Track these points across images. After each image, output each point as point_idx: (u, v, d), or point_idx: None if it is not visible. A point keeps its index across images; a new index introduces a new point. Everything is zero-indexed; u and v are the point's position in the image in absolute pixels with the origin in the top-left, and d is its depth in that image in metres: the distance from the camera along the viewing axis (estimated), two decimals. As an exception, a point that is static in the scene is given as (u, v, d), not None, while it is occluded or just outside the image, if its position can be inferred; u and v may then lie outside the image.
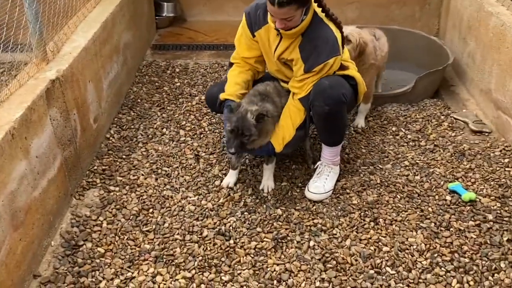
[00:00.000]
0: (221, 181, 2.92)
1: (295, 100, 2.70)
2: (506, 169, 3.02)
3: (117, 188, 2.88)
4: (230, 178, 2.91)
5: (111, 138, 3.33)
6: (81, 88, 2.88)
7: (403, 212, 2.71)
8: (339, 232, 2.58)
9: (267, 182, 2.88)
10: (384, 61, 3.68)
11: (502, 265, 2.36)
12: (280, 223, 2.64)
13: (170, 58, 4.54)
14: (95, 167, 3.03)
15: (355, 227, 2.62)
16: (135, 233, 2.56)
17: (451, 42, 4.32)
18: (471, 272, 2.33)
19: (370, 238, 2.54)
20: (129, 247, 2.48)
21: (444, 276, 2.32)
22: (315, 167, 2.95)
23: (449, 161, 3.12)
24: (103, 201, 2.77)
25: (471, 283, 2.28)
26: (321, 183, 2.82)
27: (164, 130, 3.44)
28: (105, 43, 3.32)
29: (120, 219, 2.65)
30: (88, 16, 3.35)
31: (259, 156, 3.08)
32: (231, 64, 2.98)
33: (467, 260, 2.40)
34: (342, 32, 2.65)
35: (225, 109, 2.70)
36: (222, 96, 2.83)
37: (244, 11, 2.82)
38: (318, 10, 2.60)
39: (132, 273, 2.33)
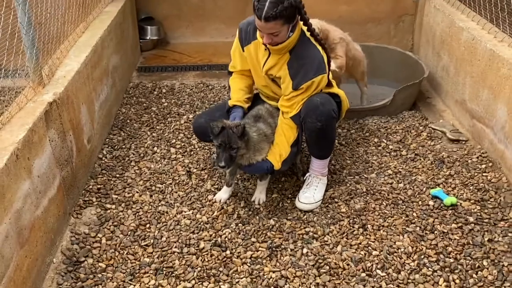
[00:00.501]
0: (214, 195, 3.03)
1: (286, 118, 2.83)
2: (484, 174, 3.19)
3: (113, 206, 2.96)
4: (224, 194, 3.02)
5: (103, 158, 3.42)
6: (76, 110, 2.97)
7: (390, 218, 2.85)
8: (330, 239, 2.70)
9: (259, 195, 2.99)
10: (360, 64, 3.87)
11: (485, 263, 2.51)
12: (274, 233, 2.75)
13: (156, 80, 4.66)
14: (91, 186, 3.11)
15: (345, 233, 2.74)
16: (134, 248, 2.65)
17: (425, 56, 4.53)
18: (456, 271, 2.47)
19: (360, 243, 2.67)
20: (129, 261, 2.57)
21: (431, 276, 2.45)
22: (304, 178, 3.07)
23: (429, 168, 3.29)
24: (101, 218, 2.85)
25: (457, 281, 2.42)
26: (311, 194, 2.95)
27: (155, 148, 3.55)
28: (95, 66, 3.43)
29: (119, 235, 2.73)
30: (78, 41, 3.46)
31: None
32: (230, 73, 3.14)
33: (452, 260, 2.54)
34: (327, 53, 2.80)
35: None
36: (230, 102, 2.98)
37: (239, 26, 2.97)
38: (305, 28, 2.75)
39: (134, 285, 2.42)
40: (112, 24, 3.93)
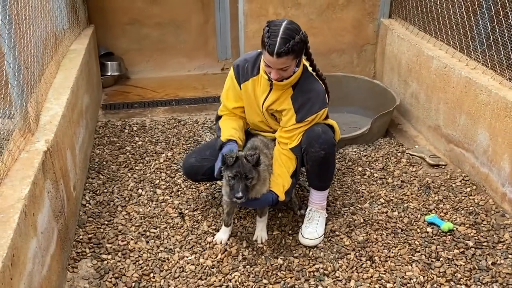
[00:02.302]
0: (213, 237, 2.94)
1: (285, 149, 2.81)
2: (470, 197, 3.30)
3: (109, 256, 2.79)
4: (223, 234, 2.93)
5: (87, 204, 3.23)
6: (63, 156, 2.81)
7: (394, 248, 2.87)
8: (341, 275, 2.68)
9: (261, 233, 2.93)
10: None
11: (495, 287, 2.57)
12: (284, 273, 2.69)
13: (125, 117, 4.51)
14: (81, 237, 2.93)
15: (354, 267, 2.73)
16: (142, 301, 2.50)
17: (390, 84, 4.67)
18: (470, 298, 2.52)
19: (372, 276, 2.66)
20: (140, 315, 2.42)
21: (448, 305, 2.48)
22: (301, 213, 3.04)
23: (418, 194, 3.36)
24: (99, 271, 2.68)
25: (474, 307, 2.46)
26: (314, 229, 2.93)
27: (140, 191, 3.40)
28: (74, 108, 3.27)
29: (123, 288, 2.58)
30: (54, 82, 3.29)
31: (250, 208, 3.14)
32: (218, 118, 3.05)
33: (463, 286, 2.59)
34: (326, 87, 2.82)
35: (226, 158, 2.64)
36: (223, 138, 2.86)
37: (233, 64, 2.92)
38: (307, 65, 2.77)
39: None
40: (82, 63, 3.77)
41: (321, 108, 2.75)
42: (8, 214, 1.96)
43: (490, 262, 2.74)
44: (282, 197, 2.77)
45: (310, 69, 2.79)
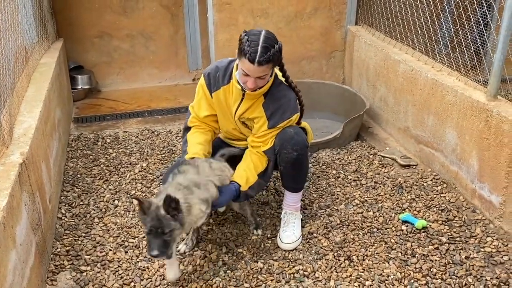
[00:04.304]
0: (186, 246, 2.91)
1: (258, 152, 2.84)
2: (441, 195, 3.39)
3: (88, 267, 2.77)
4: (172, 269, 2.60)
5: (63, 217, 3.20)
6: (38, 169, 2.78)
7: (370, 246, 2.93)
8: (321, 275, 2.72)
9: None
10: None
11: (470, 280, 2.65)
12: (264, 276, 2.72)
13: (97, 130, 4.48)
14: (58, 249, 2.90)
15: (333, 267, 2.78)
16: (124, 310, 2.49)
17: (359, 89, 4.77)
18: (447, 291, 2.59)
19: (350, 275, 2.71)
20: (123, 325, 2.41)
21: (426, 299, 2.55)
22: (257, 233, 3.06)
23: (391, 194, 3.44)
24: (79, 282, 2.66)
25: (450, 300, 2.54)
26: (291, 232, 2.96)
27: (116, 202, 3.39)
28: (47, 121, 3.24)
29: (104, 299, 2.56)
30: (26, 96, 3.26)
31: (221, 213, 3.16)
32: (187, 129, 3.04)
33: (439, 280, 2.66)
34: (298, 94, 2.88)
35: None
36: (187, 157, 2.81)
37: (203, 73, 2.93)
38: (279, 73, 2.82)
39: None
40: (53, 76, 3.74)
41: (292, 114, 2.79)
42: (-14, 227, 1.94)
43: (463, 256, 2.82)
44: (244, 187, 2.76)
45: (280, 77, 2.83)
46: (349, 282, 2.66)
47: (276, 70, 2.81)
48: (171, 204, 2.27)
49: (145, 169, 3.80)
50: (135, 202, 2.26)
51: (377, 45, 4.37)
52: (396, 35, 4.25)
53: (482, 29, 3.26)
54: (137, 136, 4.35)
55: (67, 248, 2.92)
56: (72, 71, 5.05)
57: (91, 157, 4.00)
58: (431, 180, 3.57)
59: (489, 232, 3.00)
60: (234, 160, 2.93)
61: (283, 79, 2.84)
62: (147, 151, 4.08)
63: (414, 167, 3.79)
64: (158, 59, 5.43)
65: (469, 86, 3.33)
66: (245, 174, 2.81)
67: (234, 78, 2.76)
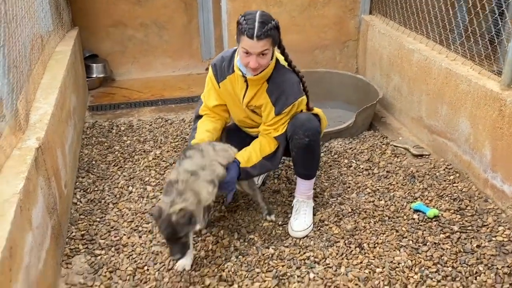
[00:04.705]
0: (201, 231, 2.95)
1: (269, 136, 2.87)
2: (454, 185, 3.39)
3: (103, 251, 2.83)
4: (185, 259, 2.64)
5: (78, 203, 3.26)
6: (54, 155, 2.83)
7: (382, 234, 2.94)
8: (332, 261, 2.74)
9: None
10: None
11: (481, 268, 2.65)
12: (275, 261, 2.75)
13: (112, 118, 4.53)
14: (73, 234, 2.95)
15: (344, 254, 2.80)
16: (138, 293, 2.54)
17: (373, 78, 4.76)
18: (457, 279, 2.59)
19: (361, 262, 2.73)
20: (136, 307, 2.46)
21: (436, 286, 2.56)
22: (270, 219, 3.09)
23: (403, 184, 3.44)
24: (93, 266, 2.71)
25: (460, 288, 2.55)
26: (302, 220, 2.99)
27: (130, 188, 3.44)
28: (62, 108, 3.29)
29: (118, 281, 2.61)
30: (42, 83, 3.31)
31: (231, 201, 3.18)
32: (198, 117, 3.06)
33: (450, 268, 2.66)
34: (301, 78, 2.88)
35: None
36: (193, 142, 2.85)
37: (211, 64, 2.97)
38: (281, 58, 2.83)
39: (149, 332, 2.32)
40: (68, 64, 3.79)
41: (296, 99, 2.80)
42: (4, 208, 1.99)
43: (475, 245, 2.82)
44: (244, 164, 2.78)
45: (283, 61, 2.84)
46: (359, 269, 2.68)
47: (278, 54, 2.82)
48: (186, 219, 2.35)
49: (158, 156, 3.84)
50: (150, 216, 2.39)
51: (391, 34, 4.36)
52: (410, 24, 4.23)
53: (497, 18, 3.24)
54: (151, 124, 4.39)
55: (82, 232, 2.98)
56: (87, 59, 5.10)
57: (105, 144, 4.05)
58: (444, 169, 3.57)
59: (501, 222, 3.00)
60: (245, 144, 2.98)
61: (285, 63, 2.85)
62: (161, 139, 4.12)
63: (427, 157, 3.78)
64: (171, 48, 5.47)
65: (483, 75, 3.31)
66: (247, 153, 2.84)
67: (236, 66, 2.78)
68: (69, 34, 4.62)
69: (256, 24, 2.56)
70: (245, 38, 2.59)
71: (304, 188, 3.05)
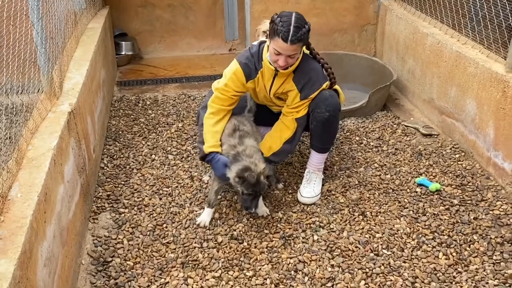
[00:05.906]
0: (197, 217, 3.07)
1: (288, 118, 3.09)
2: (459, 162, 3.55)
3: (126, 210, 3.10)
4: (207, 216, 3.00)
5: (105, 167, 3.54)
6: (84, 121, 3.10)
7: (384, 205, 3.14)
8: (336, 226, 2.96)
9: (262, 209, 3.12)
10: None
11: (475, 237, 2.83)
12: (283, 224, 2.98)
13: (138, 93, 4.80)
14: (100, 194, 3.23)
15: (348, 221, 3.01)
16: (156, 246, 2.80)
17: (389, 62, 4.91)
18: (452, 246, 2.78)
19: (363, 228, 2.94)
20: (154, 258, 2.72)
21: (431, 251, 2.75)
22: (279, 187, 3.32)
23: (410, 160, 3.62)
24: (117, 222, 2.99)
25: (454, 254, 2.73)
26: (311, 188, 3.20)
27: (153, 156, 3.70)
28: (93, 80, 3.56)
29: (139, 236, 2.88)
30: (74, 56, 3.58)
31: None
32: (204, 108, 3.14)
33: (446, 237, 2.85)
34: (323, 65, 3.07)
35: (220, 166, 2.90)
36: (206, 149, 2.96)
37: (239, 62, 3.03)
38: (305, 49, 3.03)
39: (165, 279, 2.58)
40: (99, 40, 4.06)
41: (321, 85, 3.01)
42: (40, 161, 2.26)
43: (472, 217, 3.00)
44: (266, 153, 3.06)
45: (305, 49, 3.04)
46: (360, 234, 2.89)
47: (305, 48, 3.02)
48: (269, 178, 2.83)
49: (180, 129, 4.09)
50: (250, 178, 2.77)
51: (407, 18, 4.50)
52: (426, 9, 4.36)
53: (505, 3, 3.36)
54: (174, 100, 4.65)
55: (108, 193, 3.25)
56: (116, 37, 5.37)
57: (132, 116, 4.32)
58: (450, 148, 3.73)
59: (500, 197, 3.16)
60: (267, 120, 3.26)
61: (307, 51, 3.04)
62: (183, 113, 4.37)
63: (436, 136, 3.94)
64: (197, 29, 5.69)
65: (491, 58, 3.45)
66: (269, 143, 3.11)
67: (265, 60, 2.97)
68: (100, 12, 4.89)
69: (292, 28, 2.73)
70: (279, 40, 2.76)
71: (316, 161, 3.26)
